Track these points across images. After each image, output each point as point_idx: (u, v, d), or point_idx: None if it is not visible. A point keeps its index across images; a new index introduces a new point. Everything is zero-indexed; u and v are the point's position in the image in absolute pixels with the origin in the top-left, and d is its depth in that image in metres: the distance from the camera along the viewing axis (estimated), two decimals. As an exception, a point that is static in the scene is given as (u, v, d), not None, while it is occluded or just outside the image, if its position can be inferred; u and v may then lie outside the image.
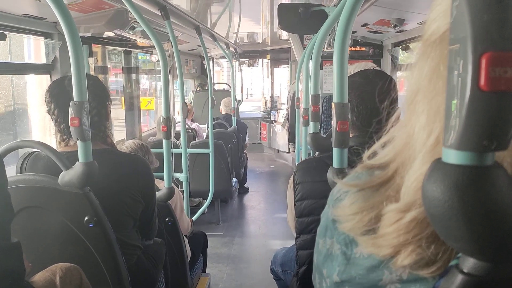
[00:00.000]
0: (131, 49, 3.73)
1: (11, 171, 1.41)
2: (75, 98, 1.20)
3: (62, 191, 1.26)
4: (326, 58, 3.33)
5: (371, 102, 1.18)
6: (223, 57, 6.96)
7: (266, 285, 2.79)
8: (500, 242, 0.28)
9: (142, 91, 4.58)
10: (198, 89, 6.46)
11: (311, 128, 1.76)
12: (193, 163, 3.93)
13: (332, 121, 1.09)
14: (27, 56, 2.52)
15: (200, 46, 3.45)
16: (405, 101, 0.41)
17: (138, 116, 4.06)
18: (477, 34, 0.26)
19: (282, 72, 7.86)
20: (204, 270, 2.62)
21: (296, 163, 3.12)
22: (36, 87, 2.61)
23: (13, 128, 2.65)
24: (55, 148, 1.37)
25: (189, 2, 2.92)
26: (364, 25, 3.18)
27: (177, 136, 3.58)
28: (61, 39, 2.28)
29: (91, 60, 2.91)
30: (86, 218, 1.26)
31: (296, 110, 3.85)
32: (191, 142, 3.97)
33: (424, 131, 0.36)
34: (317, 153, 1.74)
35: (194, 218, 3.36)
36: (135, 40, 3.20)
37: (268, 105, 7.75)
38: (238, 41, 6.21)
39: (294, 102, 4.28)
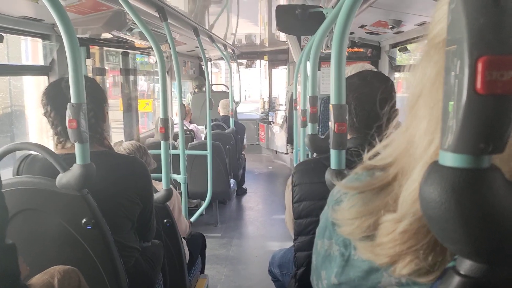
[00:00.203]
0: (129, 51, 3.73)
1: (8, 174, 1.40)
2: (72, 100, 1.20)
3: (60, 193, 1.25)
4: (324, 59, 3.34)
5: (369, 104, 1.18)
6: (221, 58, 6.95)
7: (264, 287, 2.79)
8: (497, 244, 0.28)
9: (140, 93, 4.58)
10: (196, 90, 6.46)
11: (309, 129, 1.76)
12: (191, 165, 3.93)
13: (330, 122, 1.09)
14: (25, 57, 2.52)
15: (198, 47, 3.45)
16: (407, 104, 0.40)
17: (136, 117, 4.06)
18: (473, 38, 0.26)
19: (280, 73, 7.86)
20: (202, 272, 2.62)
21: (294, 164, 3.13)
22: (33, 89, 2.61)
23: (10, 130, 2.64)
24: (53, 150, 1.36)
25: (187, 4, 2.92)
26: (362, 26, 3.18)
27: (175, 137, 3.58)
28: (58, 40, 2.28)
29: (89, 62, 2.91)
30: (84, 220, 1.25)
31: (294, 111, 3.86)
32: (189, 144, 3.97)
33: (424, 138, 0.35)
34: (315, 154, 1.74)
35: (192, 219, 3.36)
36: (133, 41, 3.20)
37: (266, 106, 7.75)
38: (236, 43, 6.21)
39: (292, 103, 4.28)
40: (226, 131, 4.70)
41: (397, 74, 3.76)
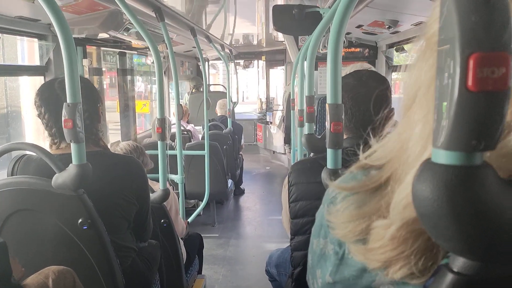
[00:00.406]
0: (125, 51, 3.72)
1: (3, 175, 1.40)
2: (68, 100, 1.19)
3: (55, 193, 1.25)
4: (321, 59, 3.33)
5: (365, 103, 1.18)
6: (219, 59, 6.95)
7: (261, 286, 2.79)
8: (489, 241, 0.28)
9: (138, 94, 4.57)
10: (193, 90, 6.45)
11: (306, 129, 1.77)
12: (189, 165, 3.93)
13: (326, 122, 1.09)
14: (21, 58, 2.51)
15: (195, 47, 3.45)
16: (402, 106, 0.40)
17: (133, 117, 4.05)
18: (465, 35, 0.26)
19: (278, 73, 7.87)
20: (199, 272, 2.61)
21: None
22: (29, 89, 2.60)
23: (6, 131, 2.63)
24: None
25: (184, 4, 2.92)
26: (359, 26, 3.19)
27: (173, 137, 3.58)
28: (55, 40, 2.27)
29: (85, 62, 2.90)
30: (80, 220, 1.25)
31: (292, 111, 3.86)
32: (187, 144, 3.96)
33: (418, 144, 0.35)
34: (312, 154, 1.74)
35: (189, 219, 3.35)
36: (130, 41, 3.20)
37: (264, 107, 7.75)
38: (233, 43, 6.21)
39: (289, 103, 4.28)
40: (223, 131, 4.69)
41: (394, 75, 3.77)
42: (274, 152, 7.10)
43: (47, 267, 1.03)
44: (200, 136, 4.53)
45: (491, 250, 0.28)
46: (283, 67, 6.93)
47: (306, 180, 1.29)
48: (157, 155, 2.08)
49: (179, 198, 2.75)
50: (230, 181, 4.52)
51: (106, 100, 3.70)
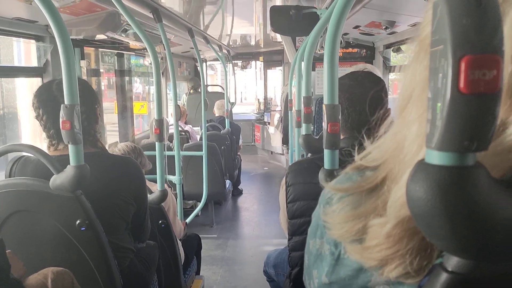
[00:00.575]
0: (123, 52, 3.72)
1: (1, 177, 1.40)
2: (66, 101, 1.20)
3: (53, 194, 1.25)
4: (318, 60, 3.35)
5: (361, 104, 1.19)
6: (216, 59, 6.95)
7: (259, 287, 2.79)
8: (482, 241, 0.28)
9: (135, 95, 4.56)
10: (191, 91, 6.45)
11: (303, 130, 1.77)
12: (187, 166, 3.92)
13: (323, 123, 1.09)
14: (17, 59, 2.50)
15: (193, 48, 3.45)
16: (397, 107, 0.40)
17: (131, 118, 4.05)
18: (456, 38, 0.26)
19: (276, 74, 7.87)
20: (198, 273, 2.61)
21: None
22: (26, 90, 2.59)
23: (3, 133, 2.62)
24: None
25: (182, 5, 2.92)
26: (356, 27, 3.20)
27: (170, 138, 3.58)
28: (52, 42, 2.27)
29: (83, 63, 2.90)
30: (78, 221, 1.25)
31: (290, 112, 3.86)
32: (185, 145, 3.96)
33: (414, 144, 0.35)
34: (309, 154, 1.74)
35: (187, 220, 3.35)
36: (128, 42, 3.20)
37: (262, 107, 7.75)
38: (231, 43, 6.20)
39: (287, 104, 4.28)
40: (221, 132, 4.69)
41: (392, 76, 3.78)
42: (272, 152, 7.11)
43: (46, 268, 1.03)
44: (198, 137, 4.53)
45: (484, 250, 0.29)
46: (281, 67, 6.93)
47: (303, 180, 1.29)
48: (155, 156, 2.08)
49: (177, 199, 2.75)
50: (228, 182, 4.52)
51: (104, 101, 3.69)
